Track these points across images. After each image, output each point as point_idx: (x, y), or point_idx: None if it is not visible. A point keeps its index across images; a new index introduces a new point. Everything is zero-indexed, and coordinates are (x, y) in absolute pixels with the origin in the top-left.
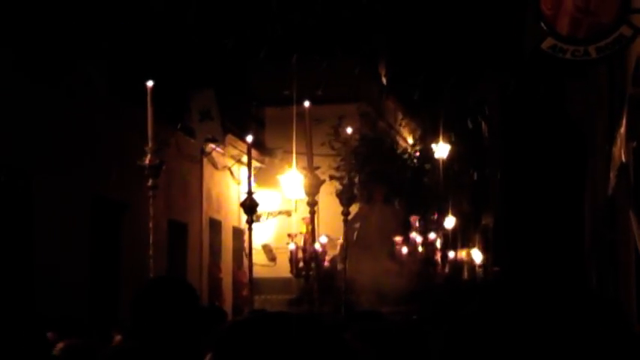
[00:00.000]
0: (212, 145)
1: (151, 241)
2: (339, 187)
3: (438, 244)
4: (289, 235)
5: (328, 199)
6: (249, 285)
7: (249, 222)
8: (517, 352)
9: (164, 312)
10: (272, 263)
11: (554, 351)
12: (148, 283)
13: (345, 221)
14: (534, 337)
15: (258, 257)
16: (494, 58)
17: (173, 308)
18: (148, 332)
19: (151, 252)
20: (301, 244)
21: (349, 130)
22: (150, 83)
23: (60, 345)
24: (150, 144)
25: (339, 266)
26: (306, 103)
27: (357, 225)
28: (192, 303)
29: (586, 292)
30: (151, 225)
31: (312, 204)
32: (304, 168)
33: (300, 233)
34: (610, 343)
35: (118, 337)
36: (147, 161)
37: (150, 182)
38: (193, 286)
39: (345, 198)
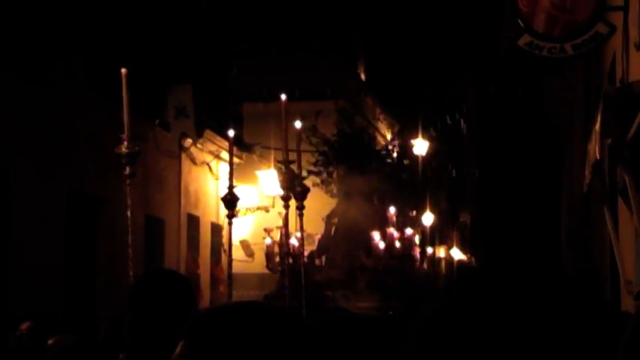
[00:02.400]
0: (190, 140)
1: (129, 231)
2: (318, 181)
3: (417, 240)
4: (265, 230)
5: (309, 196)
6: (228, 281)
7: (230, 217)
8: (493, 345)
9: (161, 303)
10: (250, 259)
11: (531, 340)
12: (144, 275)
13: (300, 215)
14: (511, 331)
15: (236, 253)
16: (473, 57)
17: (170, 300)
18: (145, 324)
19: (129, 240)
20: (277, 238)
21: (297, 124)
22: (124, 70)
23: (50, 341)
24: (126, 131)
25: (316, 261)
26: (283, 96)
27: (335, 220)
28: (189, 295)
29: (562, 278)
30: (128, 214)
31: (287, 198)
32: (279, 162)
33: (277, 228)
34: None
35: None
36: (123, 149)
37: (127, 170)
38: (189, 280)
39: (298, 193)
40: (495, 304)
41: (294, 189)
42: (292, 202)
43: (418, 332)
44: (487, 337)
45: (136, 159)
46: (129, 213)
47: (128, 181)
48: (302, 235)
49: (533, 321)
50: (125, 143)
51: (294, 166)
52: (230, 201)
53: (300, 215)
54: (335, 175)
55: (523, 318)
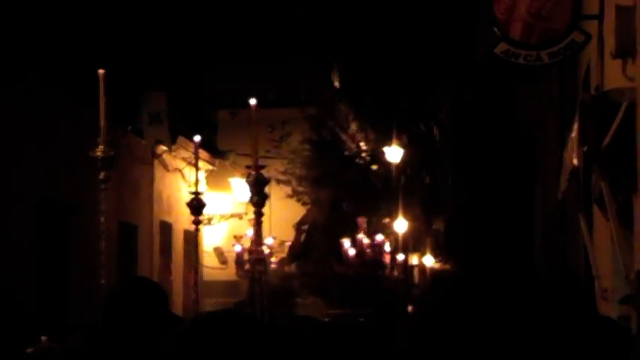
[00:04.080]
0: (163, 147)
1: (102, 237)
2: (289, 191)
3: (388, 247)
4: (235, 237)
5: (279, 203)
6: (195, 287)
7: (196, 222)
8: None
9: (136, 313)
10: (223, 266)
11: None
12: (119, 284)
13: (259, 222)
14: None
15: (210, 260)
16: (449, 64)
17: (145, 310)
18: (119, 333)
19: (102, 247)
20: (248, 245)
21: (252, 101)
22: (101, 71)
23: (30, 349)
24: (102, 135)
25: (287, 268)
26: (252, 101)
27: (306, 227)
28: (163, 305)
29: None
30: (102, 220)
31: (257, 204)
32: (248, 167)
33: (247, 235)
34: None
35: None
36: (99, 152)
37: (102, 175)
38: (164, 289)
39: (256, 201)
40: (477, 314)
41: (263, 194)
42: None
43: (409, 341)
44: (474, 343)
45: (111, 163)
46: (102, 218)
47: (103, 186)
48: (260, 241)
49: (516, 328)
50: (101, 147)
51: (264, 171)
52: (196, 207)
53: (259, 222)
54: (304, 183)
55: (506, 326)
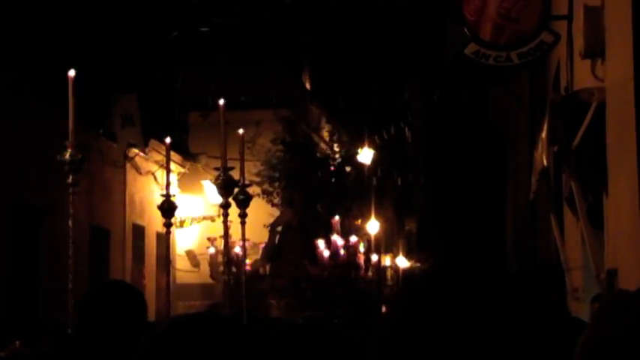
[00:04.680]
0: (135, 150)
1: (70, 241)
2: (259, 191)
3: (362, 248)
4: (209, 239)
5: (253, 205)
6: (166, 290)
7: (168, 225)
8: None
9: (112, 316)
10: (196, 269)
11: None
12: (96, 287)
13: (243, 224)
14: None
15: (183, 263)
16: (418, 65)
17: (121, 312)
18: (94, 336)
19: (70, 252)
20: (221, 247)
21: (240, 132)
22: (72, 73)
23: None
24: (71, 138)
25: (260, 270)
26: (221, 101)
27: (279, 229)
28: (140, 307)
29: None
30: (70, 224)
31: (225, 206)
32: (216, 168)
33: (220, 237)
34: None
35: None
36: (67, 156)
37: (70, 179)
38: (141, 292)
39: (240, 201)
40: (448, 311)
41: (233, 196)
42: (233, 210)
43: (377, 348)
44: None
45: (80, 167)
46: (70, 223)
47: (71, 190)
48: (244, 244)
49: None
50: (69, 150)
51: (233, 173)
52: (167, 209)
53: (243, 223)
54: (277, 184)
55: (476, 323)
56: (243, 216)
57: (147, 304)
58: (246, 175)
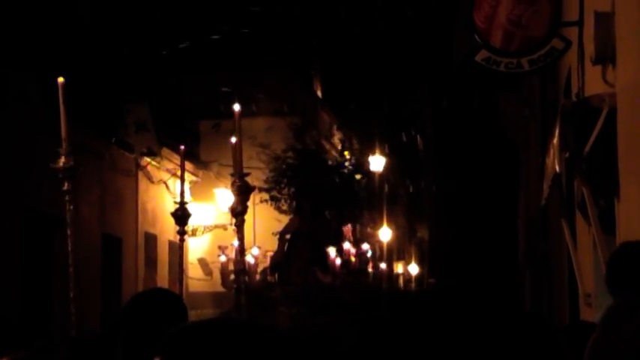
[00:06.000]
0: (147, 159)
1: (71, 250)
2: (267, 198)
3: (373, 255)
4: (220, 247)
5: (262, 213)
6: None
7: (181, 233)
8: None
9: (155, 324)
10: (208, 277)
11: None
12: (138, 295)
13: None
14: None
15: (195, 272)
16: (427, 72)
17: (164, 320)
18: (139, 344)
19: (70, 260)
20: (232, 255)
21: (233, 140)
22: (61, 79)
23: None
24: (63, 145)
25: (269, 278)
26: (236, 106)
27: (288, 236)
28: (182, 314)
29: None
30: (68, 231)
31: (240, 212)
32: (232, 175)
33: (232, 245)
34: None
35: None
36: (60, 163)
37: (65, 186)
38: (182, 299)
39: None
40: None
41: (245, 203)
42: (248, 218)
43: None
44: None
45: (74, 173)
46: (69, 231)
47: (67, 197)
48: (242, 249)
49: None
50: (62, 158)
51: (248, 179)
52: (181, 217)
53: (242, 231)
54: (286, 191)
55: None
56: (242, 211)
57: (187, 311)
58: (255, 182)
